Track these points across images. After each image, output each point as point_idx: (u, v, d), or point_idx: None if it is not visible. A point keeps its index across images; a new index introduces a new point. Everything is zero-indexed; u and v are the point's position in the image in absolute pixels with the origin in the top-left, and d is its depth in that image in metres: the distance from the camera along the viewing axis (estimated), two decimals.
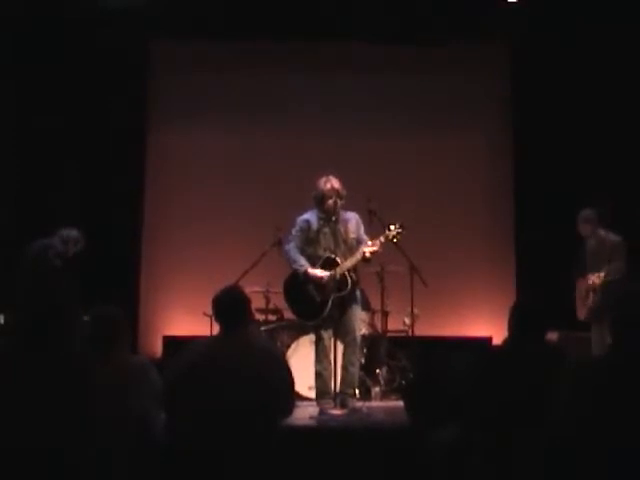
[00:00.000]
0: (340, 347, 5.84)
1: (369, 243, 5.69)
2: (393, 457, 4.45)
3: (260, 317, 7.09)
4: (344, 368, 5.77)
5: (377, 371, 6.83)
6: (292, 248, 5.84)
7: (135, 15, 7.91)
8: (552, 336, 6.04)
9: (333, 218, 5.79)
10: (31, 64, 7.97)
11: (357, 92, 8.64)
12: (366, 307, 6.89)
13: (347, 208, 5.88)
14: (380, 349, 6.95)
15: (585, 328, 6.57)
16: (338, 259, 5.74)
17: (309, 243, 5.84)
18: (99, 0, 7.79)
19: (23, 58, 7.96)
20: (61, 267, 6.64)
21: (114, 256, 7.87)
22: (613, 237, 6.57)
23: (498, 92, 8.70)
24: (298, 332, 6.75)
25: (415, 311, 6.66)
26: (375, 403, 6.46)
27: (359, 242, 5.79)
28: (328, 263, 5.75)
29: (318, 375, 5.77)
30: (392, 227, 5.68)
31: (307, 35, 8.33)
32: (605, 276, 6.44)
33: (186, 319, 8.01)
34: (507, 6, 7.94)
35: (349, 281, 5.70)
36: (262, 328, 6.97)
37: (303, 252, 5.82)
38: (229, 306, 3.75)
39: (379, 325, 7.08)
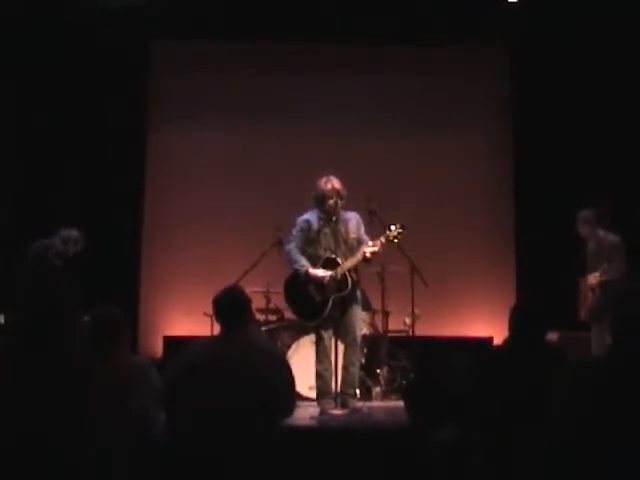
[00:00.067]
0: (341, 347, 5.83)
1: (369, 243, 5.68)
2: (393, 457, 4.45)
3: (260, 317, 7.09)
4: (345, 368, 5.77)
5: (378, 371, 6.83)
6: (293, 248, 5.84)
7: (135, 15, 7.91)
8: (552, 336, 6.04)
9: (333, 218, 5.78)
10: (31, 64, 7.97)
11: (357, 92, 8.64)
12: (367, 307, 6.89)
13: (347, 208, 5.88)
14: (381, 349, 6.95)
15: (585, 328, 6.57)
16: (339, 259, 5.73)
17: (309, 243, 5.83)
18: (99, 0, 7.79)
19: (23, 58, 7.96)
20: (61, 267, 6.64)
21: (114, 256, 7.87)
22: (612, 237, 6.57)
23: (498, 92, 8.70)
24: (299, 332, 6.75)
25: (416, 311, 6.67)
26: (376, 403, 6.46)
27: (359, 242, 5.78)
28: (329, 263, 5.75)
29: (319, 375, 5.77)
30: (392, 227, 5.67)
31: (307, 35, 8.33)
32: (600, 276, 6.47)
33: (186, 319, 8.01)
34: (507, 6, 7.94)
35: (349, 281, 5.70)
36: (262, 328, 6.97)
37: (304, 252, 5.82)
38: (229, 306, 3.75)
39: (380, 325, 7.08)
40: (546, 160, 8.19)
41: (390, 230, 5.67)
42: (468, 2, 8.05)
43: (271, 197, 8.32)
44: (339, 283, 5.70)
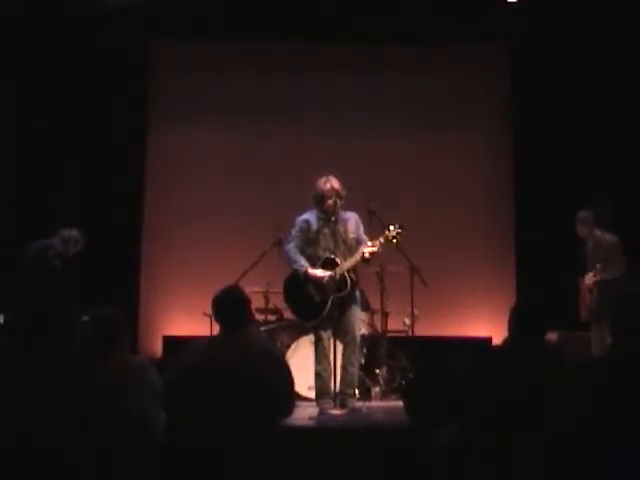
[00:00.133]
0: (340, 347, 5.83)
1: (369, 243, 5.68)
2: (393, 457, 4.45)
3: (260, 317, 7.09)
4: (344, 368, 5.77)
5: (377, 371, 6.83)
6: (292, 248, 5.83)
7: (135, 15, 7.91)
8: (552, 336, 6.05)
9: (332, 218, 5.78)
10: (31, 64, 7.97)
11: (357, 92, 8.64)
12: (366, 307, 6.89)
13: (347, 208, 5.88)
14: (380, 349, 6.95)
15: (585, 328, 6.57)
16: (338, 259, 5.73)
17: (309, 243, 5.83)
18: (99, 0, 7.79)
19: (23, 58, 7.96)
20: (61, 267, 6.64)
21: (114, 256, 7.87)
22: (609, 237, 6.58)
23: (498, 92, 8.70)
24: (298, 332, 6.75)
25: (415, 311, 6.66)
26: (375, 403, 6.46)
27: (358, 242, 5.78)
28: (328, 263, 5.75)
29: (318, 375, 5.77)
30: (391, 227, 5.67)
31: (307, 35, 8.33)
32: (594, 276, 6.50)
33: (186, 319, 8.01)
34: (507, 6, 7.94)
35: (349, 281, 5.70)
36: (262, 328, 6.97)
37: (303, 252, 5.81)
38: (229, 306, 3.75)
39: (379, 325, 7.07)
40: (546, 160, 8.19)
41: (389, 230, 5.67)
42: (468, 2, 8.05)
43: (271, 197, 8.32)
44: (338, 283, 5.70)
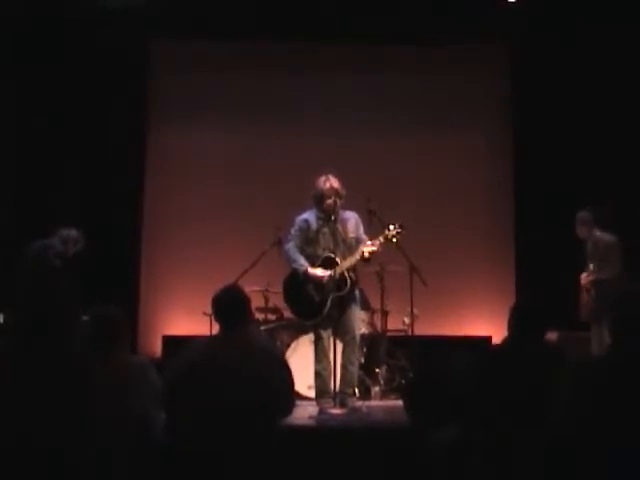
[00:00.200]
0: (339, 346, 5.83)
1: (368, 243, 5.68)
2: (393, 457, 4.45)
3: (260, 316, 7.10)
4: (343, 367, 5.77)
5: (377, 370, 6.84)
6: (291, 247, 5.84)
7: (135, 15, 7.91)
8: (552, 336, 6.05)
9: (332, 217, 5.78)
10: (31, 64, 7.97)
11: (357, 92, 8.65)
12: (365, 306, 6.89)
13: (347, 208, 5.88)
14: (380, 348, 6.96)
15: (585, 328, 6.58)
16: (337, 259, 5.73)
17: (308, 243, 5.83)
18: (99, 0, 7.79)
19: (23, 58, 7.96)
20: (61, 267, 6.64)
21: (114, 256, 7.87)
22: (607, 237, 6.59)
23: (498, 92, 8.71)
24: (298, 331, 6.76)
25: (415, 311, 6.66)
26: (375, 402, 6.46)
27: (358, 242, 5.78)
28: (327, 263, 5.75)
29: (317, 374, 5.77)
30: (391, 227, 5.68)
31: (307, 35, 8.33)
32: (588, 276, 6.52)
33: (186, 319, 8.01)
34: (507, 6, 7.94)
35: (348, 281, 5.70)
36: (262, 327, 6.97)
37: (302, 252, 5.82)
38: (229, 305, 3.75)
39: (379, 324, 7.08)
40: (546, 160, 8.19)
41: (389, 230, 5.67)
42: (468, 2, 8.05)
43: (271, 197, 8.32)
44: (338, 282, 5.70)
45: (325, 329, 5.76)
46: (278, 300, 6.68)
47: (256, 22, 8.17)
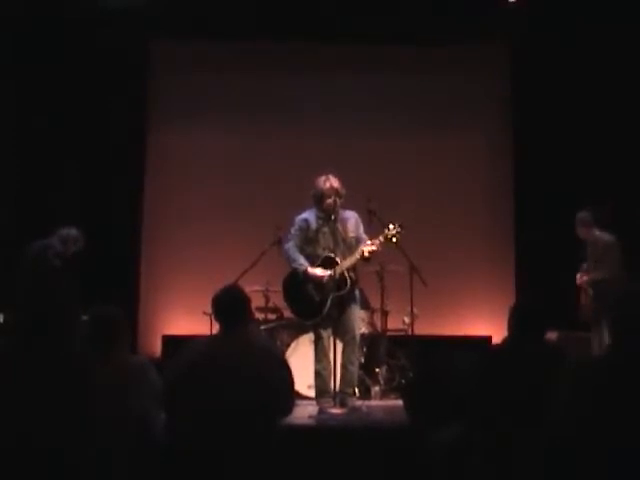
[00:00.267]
0: (339, 346, 5.83)
1: (368, 242, 5.68)
2: (393, 457, 4.45)
3: (260, 316, 7.10)
4: (343, 367, 5.77)
5: (377, 370, 6.84)
6: (291, 247, 5.84)
7: (135, 15, 7.92)
8: (552, 336, 6.05)
9: (332, 217, 5.78)
10: (31, 64, 7.97)
11: (357, 92, 8.65)
12: (365, 306, 6.89)
13: (347, 208, 5.88)
14: (380, 348, 6.95)
15: (585, 328, 6.58)
16: (337, 258, 5.73)
17: (308, 242, 5.83)
18: (99, 0, 7.79)
19: (23, 58, 7.96)
20: (61, 267, 6.64)
21: (114, 256, 7.87)
22: (607, 237, 6.59)
23: (498, 92, 8.71)
24: (298, 331, 6.75)
25: (415, 310, 6.66)
26: (375, 402, 6.46)
27: (358, 241, 5.78)
28: (327, 262, 5.75)
29: (317, 374, 5.77)
30: (391, 226, 5.68)
31: (307, 35, 8.34)
32: (581, 277, 6.54)
33: (186, 318, 8.02)
34: (507, 6, 7.95)
35: (348, 280, 5.70)
36: (262, 327, 6.98)
37: (302, 251, 5.82)
38: (229, 305, 3.75)
39: (379, 324, 7.08)
40: (546, 160, 8.19)
41: (389, 229, 5.67)
42: (468, 2, 8.05)
43: (271, 197, 8.32)
44: (338, 282, 5.70)
45: (325, 329, 5.76)
46: (278, 300, 6.68)
47: (256, 22, 8.18)
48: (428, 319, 7.38)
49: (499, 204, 8.68)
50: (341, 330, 5.79)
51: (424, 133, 8.70)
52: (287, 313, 6.71)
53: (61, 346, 3.23)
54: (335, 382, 5.75)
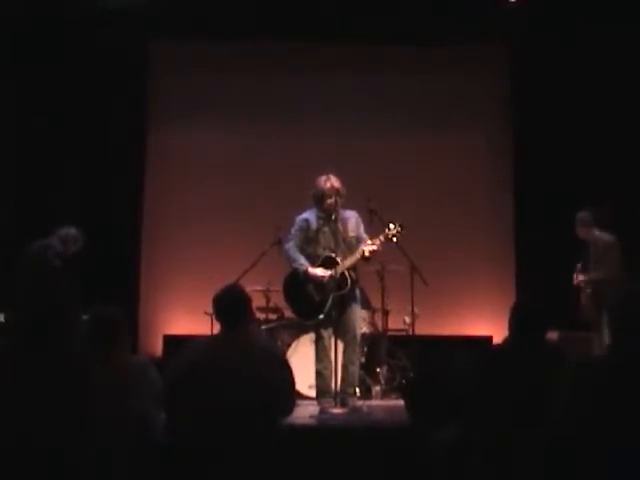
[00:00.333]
0: (340, 346, 5.83)
1: (369, 242, 5.68)
2: (393, 456, 4.45)
3: (260, 316, 7.11)
4: (344, 367, 5.77)
5: (377, 370, 6.84)
6: (292, 247, 5.84)
7: (135, 15, 7.92)
8: (552, 336, 6.04)
9: (333, 217, 5.78)
10: (31, 64, 7.97)
11: (357, 92, 8.65)
12: (366, 306, 6.89)
13: (347, 208, 5.88)
14: (380, 348, 6.95)
15: (585, 328, 6.57)
16: (338, 258, 5.73)
17: (308, 242, 5.83)
18: (99, 0, 7.79)
19: (23, 58, 7.96)
20: (61, 267, 6.64)
21: (114, 256, 7.88)
22: (607, 237, 6.59)
23: (498, 92, 8.70)
24: (298, 331, 6.76)
25: (415, 310, 6.67)
26: (375, 402, 6.46)
27: (359, 241, 5.78)
28: (328, 262, 5.75)
29: (318, 374, 5.77)
30: (391, 226, 5.68)
31: (307, 35, 8.33)
32: (577, 277, 6.54)
33: (186, 318, 8.02)
34: (507, 6, 7.95)
35: (349, 280, 5.70)
36: (262, 327, 6.98)
37: (303, 251, 5.82)
38: (229, 305, 3.74)
39: (379, 324, 7.08)
40: (546, 160, 8.19)
41: (389, 228, 5.67)
42: (468, 2, 8.05)
43: (271, 197, 8.32)
44: (338, 282, 5.70)
45: (326, 328, 5.76)
46: (279, 300, 6.68)
47: (256, 22, 8.17)
48: (429, 319, 7.38)
49: (499, 204, 8.68)
50: (342, 330, 5.79)
51: (424, 133, 8.70)
52: (288, 313, 6.72)
53: (61, 346, 3.23)
54: (336, 382, 5.75)
